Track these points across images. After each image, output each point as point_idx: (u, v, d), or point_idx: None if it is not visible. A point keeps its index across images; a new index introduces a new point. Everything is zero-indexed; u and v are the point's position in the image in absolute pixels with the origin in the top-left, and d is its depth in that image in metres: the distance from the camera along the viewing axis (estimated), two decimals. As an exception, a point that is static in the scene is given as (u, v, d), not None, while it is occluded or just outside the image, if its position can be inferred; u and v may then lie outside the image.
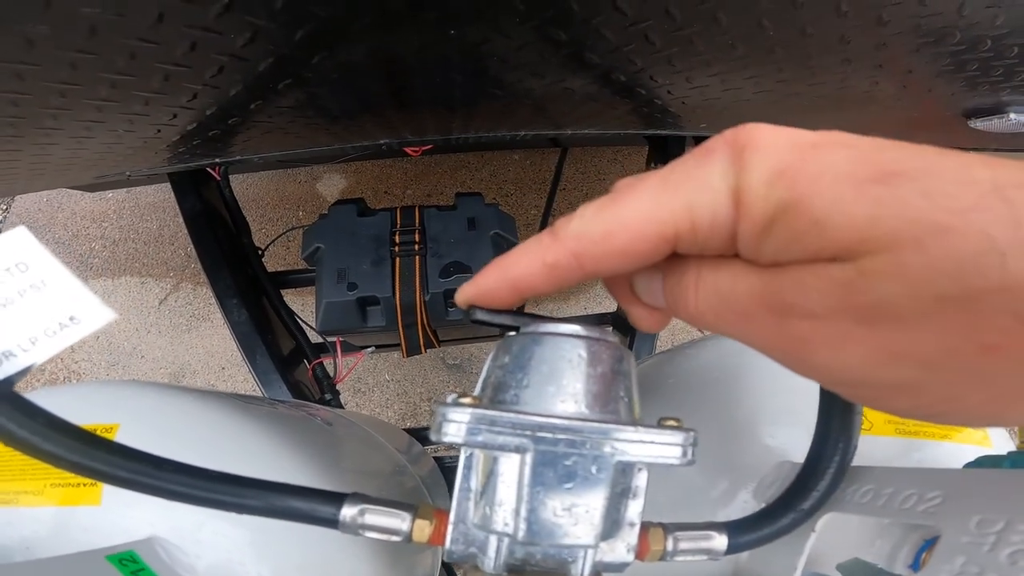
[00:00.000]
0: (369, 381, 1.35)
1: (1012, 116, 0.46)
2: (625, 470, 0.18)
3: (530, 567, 0.17)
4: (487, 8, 0.30)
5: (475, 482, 0.18)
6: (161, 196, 1.56)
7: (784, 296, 0.14)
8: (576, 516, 0.17)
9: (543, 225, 1.48)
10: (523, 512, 0.17)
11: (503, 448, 0.17)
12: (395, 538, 0.18)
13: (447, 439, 0.17)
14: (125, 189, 1.56)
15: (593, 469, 0.17)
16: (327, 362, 0.79)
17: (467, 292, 0.18)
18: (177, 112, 0.37)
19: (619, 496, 0.18)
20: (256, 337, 0.73)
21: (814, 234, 0.13)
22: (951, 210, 0.12)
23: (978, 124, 0.48)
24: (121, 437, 0.30)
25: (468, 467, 0.18)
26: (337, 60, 0.34)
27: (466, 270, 0.67)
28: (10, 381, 0.13)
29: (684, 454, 0.18)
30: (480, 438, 0.17)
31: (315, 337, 0.79)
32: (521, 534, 0.17)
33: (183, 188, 0.75)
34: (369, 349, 0.81)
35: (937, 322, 0.12)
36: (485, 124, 0.63)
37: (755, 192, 0.14)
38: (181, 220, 1.64)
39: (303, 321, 0.84)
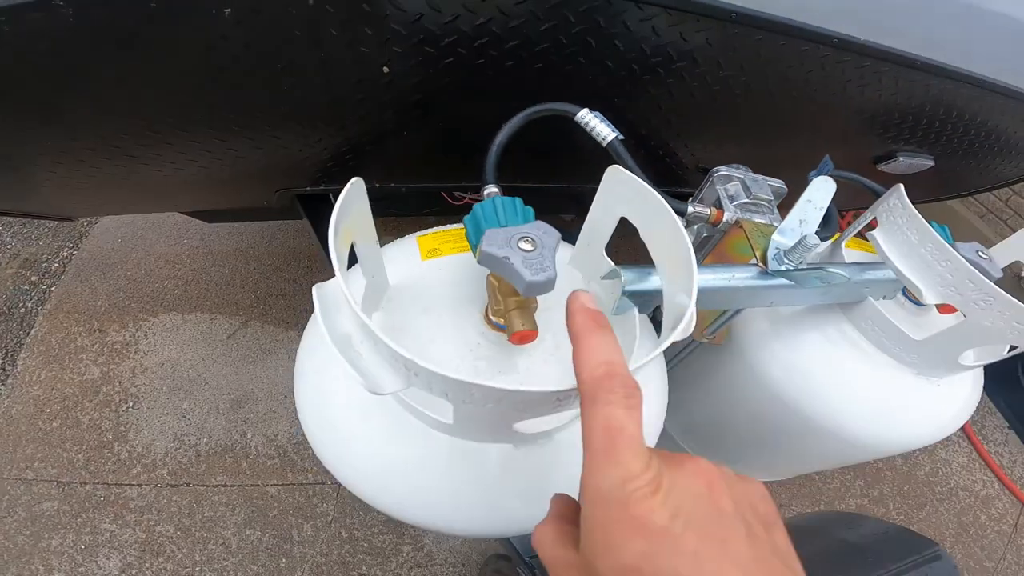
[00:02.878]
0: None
1: (900, 158, 0.72)
2: None
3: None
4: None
5: None
6: (234, 246, 1.76)
7: None
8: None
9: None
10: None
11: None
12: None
13: None
14: (199, 237, 1.75)
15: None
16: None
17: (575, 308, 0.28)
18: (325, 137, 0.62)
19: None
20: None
21: None
22: None
23: (882, 167, 0.75)
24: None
25: None
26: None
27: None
28: None
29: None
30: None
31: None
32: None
33: (318, 216, 0.98)
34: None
35: None
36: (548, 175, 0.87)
37: None
38: (253, 267, 1.79)
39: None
